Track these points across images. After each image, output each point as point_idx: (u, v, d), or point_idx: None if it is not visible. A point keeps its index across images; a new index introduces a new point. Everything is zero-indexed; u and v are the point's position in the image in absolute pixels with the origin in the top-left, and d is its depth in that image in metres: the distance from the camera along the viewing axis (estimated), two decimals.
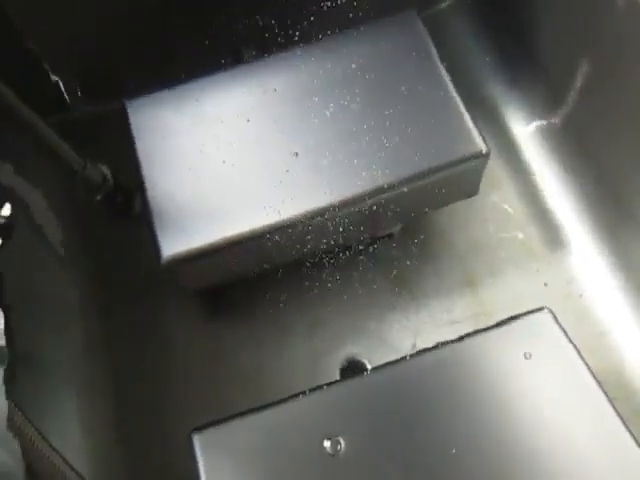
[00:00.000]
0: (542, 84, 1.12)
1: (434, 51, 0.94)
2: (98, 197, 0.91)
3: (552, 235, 1.06)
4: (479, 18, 1.20)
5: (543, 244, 1.05)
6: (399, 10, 0.98)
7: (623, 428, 0.72)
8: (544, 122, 1.12)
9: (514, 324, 0.82)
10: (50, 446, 0.69)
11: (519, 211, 1.08)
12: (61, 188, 1.04)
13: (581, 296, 1.00)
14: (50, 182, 1.04)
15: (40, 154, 0.93)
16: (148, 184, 0.90)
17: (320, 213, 0.87)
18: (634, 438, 0.71)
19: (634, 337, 0.96)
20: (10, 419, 0.65)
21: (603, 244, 1.02)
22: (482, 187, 0.97)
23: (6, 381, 0.68)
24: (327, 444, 0.75)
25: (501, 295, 1.01)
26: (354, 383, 0.81)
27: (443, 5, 1.22)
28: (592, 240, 1.03)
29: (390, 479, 0.73)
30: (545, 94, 1.12)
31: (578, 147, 1.07)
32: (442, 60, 0.95)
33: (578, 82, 1.02)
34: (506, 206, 1.08)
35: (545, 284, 1.01)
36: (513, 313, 0.84)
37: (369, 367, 0.99)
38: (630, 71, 0.91)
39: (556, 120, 1.10)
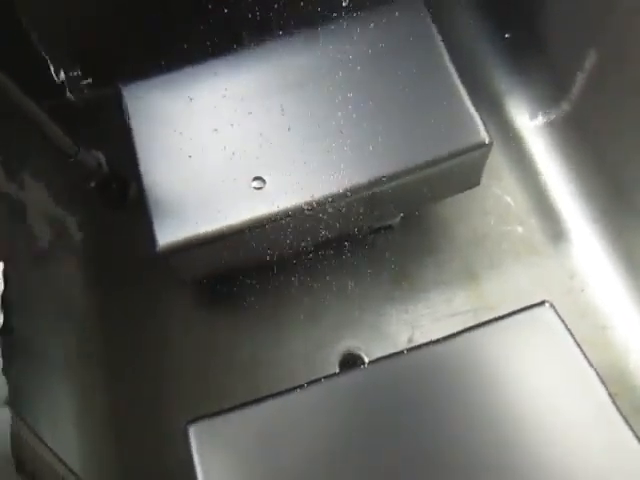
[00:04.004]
0: (548, 76, 1.11)
1: (439, 39, 0.92)
2: (92, 183, 0.89)
3: (554, 228, 1.05)
4: (486, 6, 1.18)
5: (545, 237, 1.04)
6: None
7: (623, 423, 0.71)
8: (548, 114, 1.10)
9: (515, 318, 0.80)
10: (42, 442, 0.68)
11: (521, 203, 1.07)
12: (55, 174, 1.02)
13: (583, 290, 0.99)
14: (44, 168, 1.02)
15: (33, 139, 0.92)
16: (144, 171, 0.88)
17: (320, 203, 0.86)
18: (634, 433, 0.70)
19: (636, 332, 0.95)
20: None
21: (605, 238, 1.01)
22: (484, 179, 0.96)
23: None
24: (323, 435, 0.74)
25: (502, 288, 1.00)
26: (351, 377, 0.80)
27: None
28: (594, 234, 1.02)
29: (387, 472, 0.73)
30: (550, 86, 1.10)
31: (581, 140, 1.06)
32: (447, 48, 0.93)
33: (584, 75, 1.01)
34: (508, 198, 1.07)
35: (547, 277, 1.01)
36: (513, 307, 0.83)
37: (366, 360, 0.98)
38: (636, 66, 0.89)
39: (560, 113, 1.08)
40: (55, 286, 1.01)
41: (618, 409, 0.72)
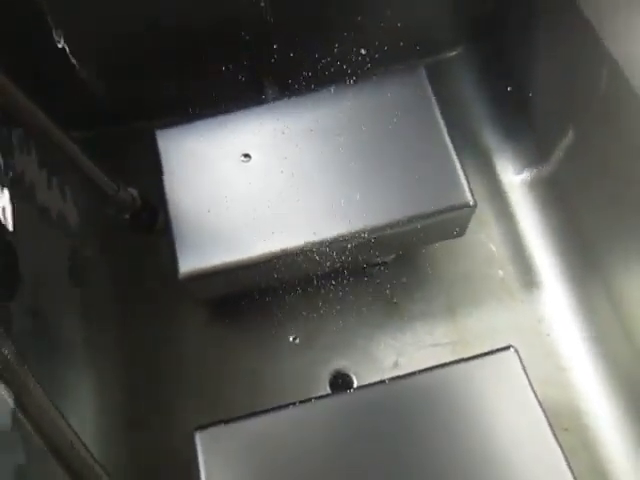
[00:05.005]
0: (533, 140, 1.22)
1: (437, 108, 1.03)
2: (126, 216, 1.00)
3: (528, 276, 1.15)
4: (482, 71, 1.29)
5: (520, 283, 1.14)
6: (409, 60, 1.08)
7: (564, 464, 0.82)
8: (531, 174, 1.21)
9: (483, 360, 0.91)
10: (65, 421, 0.70)
11: (503, 251, 1.16)
12: (86, 201, 1.13)
13: (548, 335, 1.09)
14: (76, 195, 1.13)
15: (71, 170, 1.02)
16: (171, 208, 1.00)
17: (324, 244, 0.97)
18: (572, 473, 0.82)
19: (590, 374, 1.05)
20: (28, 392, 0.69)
21: (570, 290, 1.11)
22: (472, 226, 1.06)
23: None
24: (314, 452, 0.86)
25: (478, 325, 1.10)
26: (339, 399, 0.92)
27: (449, 54, 1.31)
28: (561, 285, 1.13)
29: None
30: (535, 149, 1.21)
31: (557, 202, 1.16)
32: (441, 109, 1.04)
33: (564, 143, 1.11)
34: (491, 245, 1.17)
35: (518, 319, 1.10)
36: (487, 343, 0.95)
37: (355, 379, 1.09)
38: (611, 139, 1.00)
39: (542, 174, 1.19)
40: (84, 300, 1.12)
41: (563, 451, 0.83)
